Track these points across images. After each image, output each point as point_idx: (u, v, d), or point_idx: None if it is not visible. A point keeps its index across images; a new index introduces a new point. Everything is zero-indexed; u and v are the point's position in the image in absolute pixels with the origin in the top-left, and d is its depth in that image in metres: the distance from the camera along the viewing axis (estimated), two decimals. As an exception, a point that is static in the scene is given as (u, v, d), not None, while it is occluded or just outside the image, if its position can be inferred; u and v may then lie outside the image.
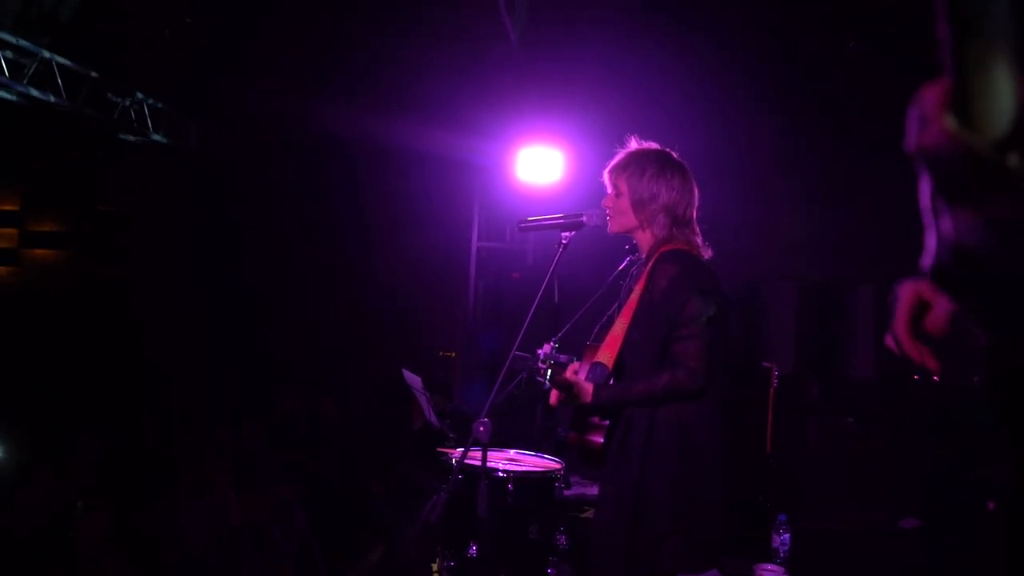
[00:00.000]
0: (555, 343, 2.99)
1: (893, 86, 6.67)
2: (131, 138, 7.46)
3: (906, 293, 1.28)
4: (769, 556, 4.38)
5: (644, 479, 2.89)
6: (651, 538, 2.88)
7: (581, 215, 3.15)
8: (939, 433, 6.89)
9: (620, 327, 3.03)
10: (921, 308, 1.24)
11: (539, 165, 7.50)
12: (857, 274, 7.85)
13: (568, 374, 3.04)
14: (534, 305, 3.07)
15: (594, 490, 5.56)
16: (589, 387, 2.98)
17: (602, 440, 3.05)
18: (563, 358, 2.94)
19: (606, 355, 3.04)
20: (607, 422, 3.05)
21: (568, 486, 5.41)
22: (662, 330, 2.92)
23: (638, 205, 3.05)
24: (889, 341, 1.30)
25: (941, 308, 1.21)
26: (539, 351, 2.96)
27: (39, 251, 9.20)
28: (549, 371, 2.94)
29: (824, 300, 7.83)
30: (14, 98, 6.15)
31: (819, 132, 7.58)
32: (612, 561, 2.92)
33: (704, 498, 2.91)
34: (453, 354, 8.17)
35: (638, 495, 2.89)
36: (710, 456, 2.95)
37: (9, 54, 5.86)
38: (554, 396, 3.07)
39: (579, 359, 3.15)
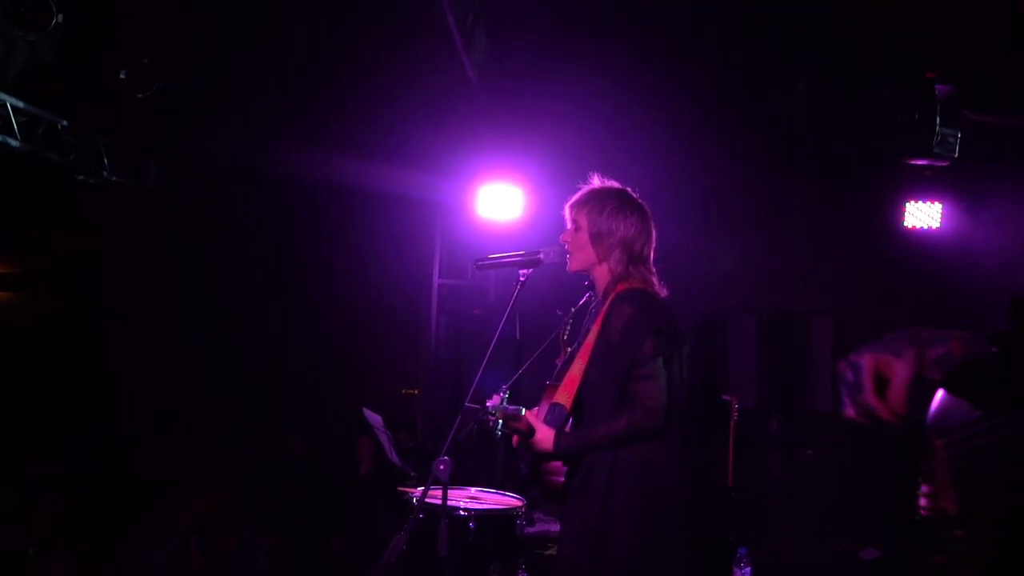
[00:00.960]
0: (505, 393, 3.00)
1: (850, 128, 6.84)
2: (89, 179, 7.40)
3: (867, 364, 1.36)
4: (730, 590, 4.41)
5: (606, 518, 2.90)
6: (611, 574, 2.88)
7: (539, 252, 3.19)
8: (898, 464, 6.98)
9: (578, 367, 3.05)
10: (880, 379, 1.33)
11: (499, 202, 7.54)
12: (815, 305, 7.97)
13: (529, 417, 3.04)
14: (493, 342, 3.09)
15: (556, 526, 5.56)
16: (550, 436, 2.99)
17: (562, 479, 3.07)
18: (511, 409, 2.95)
19: (564, 396, 3.07)
20: (566, 463, 3.07)
21: (531, 523, 5.40)
22: (620, 370, 2.95)
23: (596, 239, 3.10)
24: (850, 412, 1.37)
25: (899, 382, 1.30)
26: (488, 403, 2.97)
27: (-5, 293, 9.07)
28: (500, 422, 2.95)
29: (783, 333, 7.93)
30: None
31: (777, 167, 7.72)
32: None
33: (668, 537, 2.93)
34: (416, 391, 8.15)
35: (600, 534, 2.90)
36: (674, 495, 2.97)
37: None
38: (516, 439, 3.08)
39: (528, 408, 3.14)
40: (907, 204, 7.68)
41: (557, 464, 3.11)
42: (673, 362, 3.00)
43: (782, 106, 6.93)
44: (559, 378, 3.13)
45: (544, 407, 3.12)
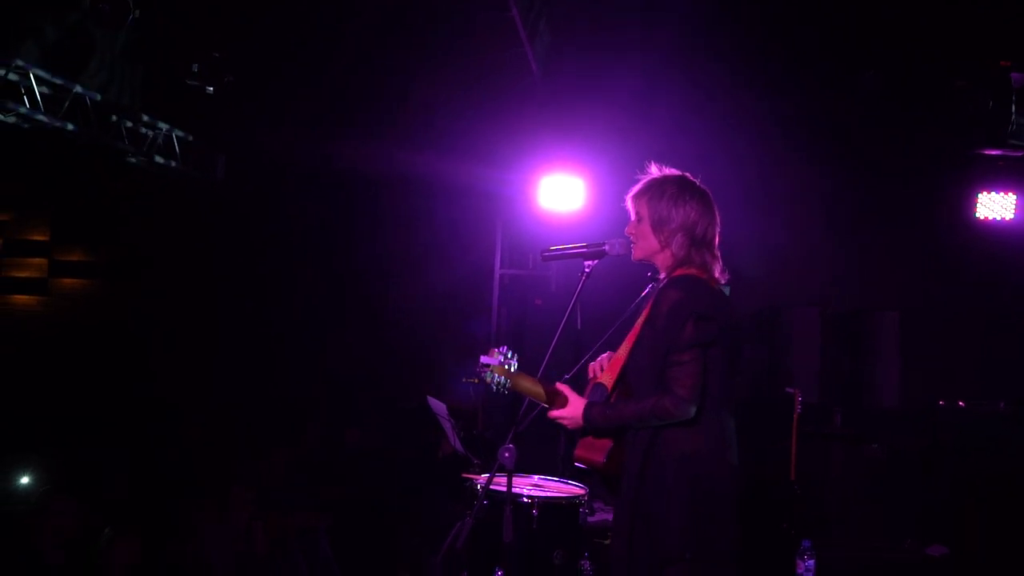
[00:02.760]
0: (506, 349, 3.03)
1: (918, 115, 6.71)
2: (159, 169, 7.59)
3: None
4: (794, 583, 4.37)
5: (642, 506, 2.90)
6: (653, 564, 2.89)
7: (603, 244, 3.19)
8: (964, 460, 6.84)
9: (624, 349, 3.07)
10: None
11: (561, 193, 7.55)
12: (881, 301, 7.83)
13: (564, 389, 3.07)
14: (557, 332, 3.10)
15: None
16: (581, 405, 3.01)
17: (603, 459, 3.05)
18: (495, 361, 2.99)
19: (608, 376, 3.08)
20: (608, 442, 3.06)
21: (592, 512, 5.42)
22: (660, 354, 2.94)
23: (657, 226, 3.09)
24: None
25: None
26: (483, 358, 3.00)
27: (67, 280, 9.34)
28: (501, 377, 2.99)
29: (848, 327, 7.81)
30: (47, 130, 6.29)
31: (845, 161, 7.60)
32: None
33: (714, 531, 2.90)
34: (476, 380, 8.19)
35: (645, 524, 2.90)
36: (719, 487, 2.93)
37: (44, 89, 6.00)
38: (553, 412, 3.09)
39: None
40: (979, 195, 7.51)
41: (597, 442, 3.09)
42: (715, 351, 2.96)
43: (851, 98, 6.82)
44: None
45: (588, 388, 3.14)
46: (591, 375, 3.22)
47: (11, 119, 5.92)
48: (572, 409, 3.03)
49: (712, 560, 2.89)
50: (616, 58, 6.94)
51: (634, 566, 2.90)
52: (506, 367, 3.03)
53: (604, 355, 3.24)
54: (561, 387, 3.07)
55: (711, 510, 2.90)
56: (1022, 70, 5.98)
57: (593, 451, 3.07)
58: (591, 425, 3.02)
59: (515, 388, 3.04)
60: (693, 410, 2.88)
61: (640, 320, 3.05)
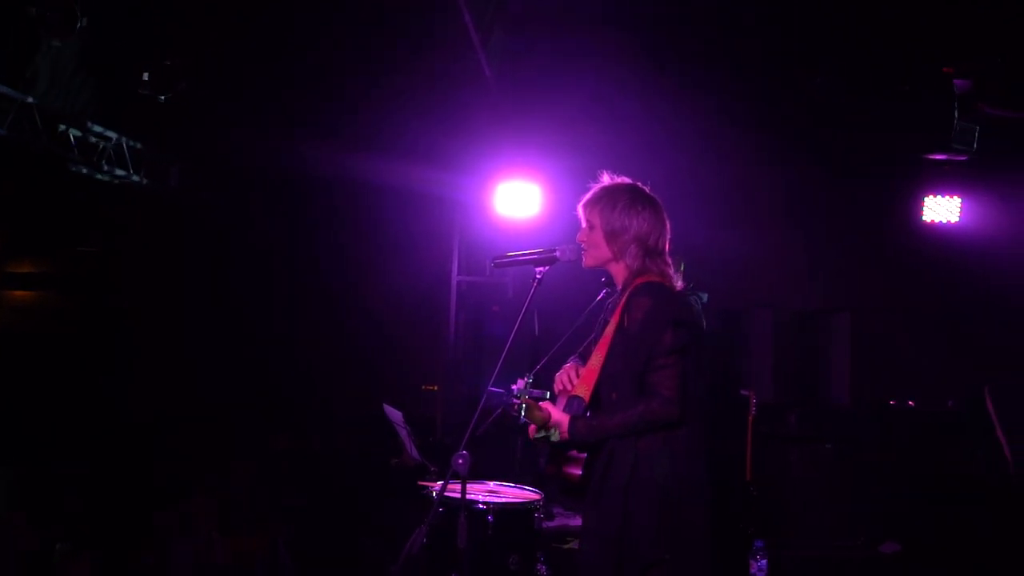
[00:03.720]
0: (529, 378, 3.03)
1: (865, 120, 6.84)
2: (112, 179, 7.50)
3: None
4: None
5: (627, 512, 2.92)
6: (634, 569, 2.91)
7: (555, 250, 3.22)
8: (915, 458, 6.97)
9: (596, 360, 3.08)
10: None
11: (517, 199, 7.58)
12: (833, 302, 7.96)
13: (546, 406, 3.08)
14: (510, 339, 3.12)
15: (576, 521, 5.59)
16: (565, 420, 3.02)
17: (580, 472, 3.08)
18: (536, 392, 2.98)
19: (583, 388, 3.09)
20: (584, 454, 3.09)
21: (550, 517, 5.44)
22: (638, 362, 2.97)
23: (611, 237, 3.12)
24: None
25: None
26: (512, 387, 2.99)
27: (18, 292, 9.19)
28: (523, 407, 2.97)
29: (801, 328, 7.93)
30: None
31: (796, 165, 7.73)
32: None
33: (689, 531, 2.94)
34: (436, 388, 8.20)
35: (622, 528, 2.92)
36: (694, 487, 2.98)
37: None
38: (532, 429, 3.10)
39: (553, 393, 3.18)
40: (926, 199, 7.67)
41: (573, 455, 3.11)
42: (690, 354, 3.02)
43: (798, 102, 6.93)
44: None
45: (563, 400, 3.15)
46: (559, 387, 3.21)
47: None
48: (556, 425, 3.02)
49: (690, 560, 2.93)
50: (571, 63, 6.98)
51: (621, 573, 2.92)
52: (538, 397, 3.02)
53: (569, 366, 3.24)
54: (545, 405, 3.07)
55: (689, 512, 2.94)
56: (963, 76, 6.13)
57: (570, 465, 3.09)
58: (577, 439, 3.02)
59: (529, 419, 3.02)
60: (680, 411, 2.92)
61: (610, 329, 3.07)
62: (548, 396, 3.04)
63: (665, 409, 2.92)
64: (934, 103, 6.22)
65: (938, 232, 7.70)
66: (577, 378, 3.15)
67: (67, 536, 5.14)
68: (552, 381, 3.32)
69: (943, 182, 7.59)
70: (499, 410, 3.01)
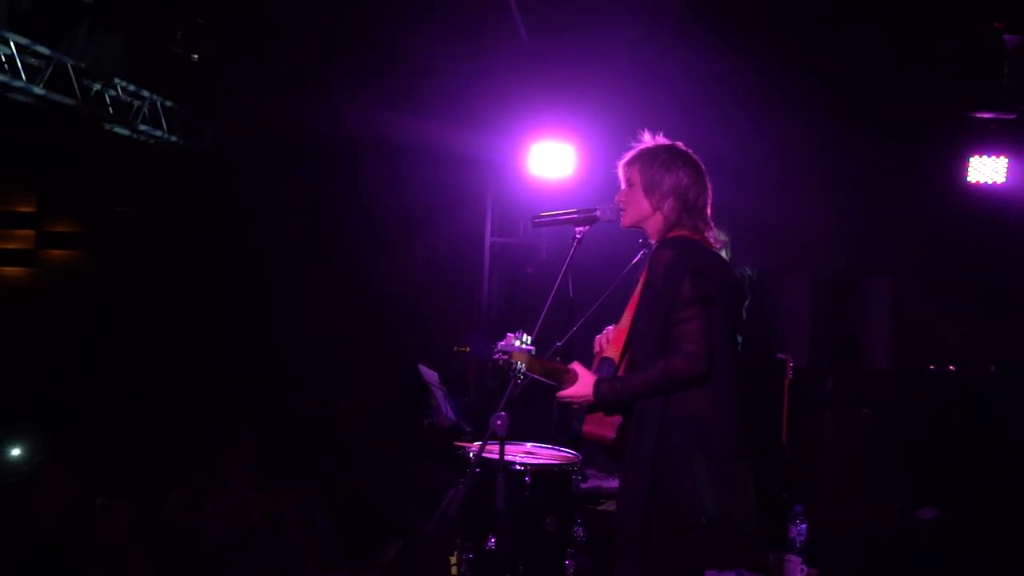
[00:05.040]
0: (521, 334, 2.97)
1: (908, 78, 6.67)
2: (146, 139, 7.52)
3: None
4: (785, 546, 4.40)
5: (658, 474, 2.87)
6: (666, 532, 2.87)
7: (595, 209, 3.17)
8: (956, 422, 6.88)
9: (626, 319, 3.04)
10: None
11: (551, 160, 7.51)
12: (872, 265, 7.83)
13: (576, 367, 3.03)
14: (548, 300, 3.08)
15: (611, 483, 5.59)
16: (591, 383, 2.98)
17: (613, 435, 3.03)
18: (520, 348, 2.91)
19: (613, 349, 3.05)
20: (617, 416, 3.04)
21: (585, 479, 5.43)
22: (661, 316, 2.90)
23: (649, 189, 3.07)
24: None
25: None
26: (500, 343, 2.94)
27: (55, 252, 9.29)
28: (518, 364, 2.93)
29: (838, 291, 7.81)
30: (30, 101, 6.22)
31: (837, 125, 7.56)
32: (628, 554, 2.93)
33: (730, 492, 2.87)
34: (468, 349, 8.20)
35: (651, 489, 2.88)
36: (732, 448, 2.91)
37: (27, 58, 5.91)
38: (562, 392, 3.04)
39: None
40: (971, 158, 7.48)
41: (607, 417, 3.06)
42: (715, 308, 2.93)
43: (842, 61, 6.77)
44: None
45: (595, 365, 3.11)
46: (597, 349, 3.18)
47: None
48: (582, 387, 2.98)
49: (728, 524, 2.88)
50: (606, 22, 6.87)
51: (649, 536, 2.87)
52: (525, 352, 2.95)
53: (609, 328, 3.19)
54: (574, 366, 3.02)
55: (725, 473, 2.87)
56: (1015, 32, 5.94)
57: (603, 427, 3.03)
58: (602, 402, 2.98)
59: (531, 372, 2.96)
60: (705, 366, 2.83)
61: (638, 288, 3.02)
62: (532, 352, 2.97)
63: (688, 365, 2.83)
64: (983, 59, 6.04)
65: (983, 193, 7.52)
66: (610, 340, 3.12)
67: (105, 490, 5.22)
68: (589, 344, 3.29)
69: (989, 141, 7.39)
70: (489, 364, 2.97)
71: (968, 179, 7.51)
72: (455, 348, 8.21)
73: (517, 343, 2.94)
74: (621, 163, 3.18)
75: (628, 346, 3.03)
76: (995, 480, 6.36)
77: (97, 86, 6.67)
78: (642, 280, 3.02)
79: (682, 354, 2.84)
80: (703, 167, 3.14)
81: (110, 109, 6.90)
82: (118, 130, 7.22)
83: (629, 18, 6.72)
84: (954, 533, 6.21)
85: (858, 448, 6.89)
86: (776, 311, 7.61)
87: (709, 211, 3.13)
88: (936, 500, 6.55)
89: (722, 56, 6.88)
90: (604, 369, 3.04)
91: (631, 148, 3.19)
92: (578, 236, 3.18)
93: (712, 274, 2.94)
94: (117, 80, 6.75)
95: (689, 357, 2.83)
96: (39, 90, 6.05)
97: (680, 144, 3.17)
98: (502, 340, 2.96)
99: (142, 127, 7.31)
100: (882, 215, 7.83)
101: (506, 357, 2.91)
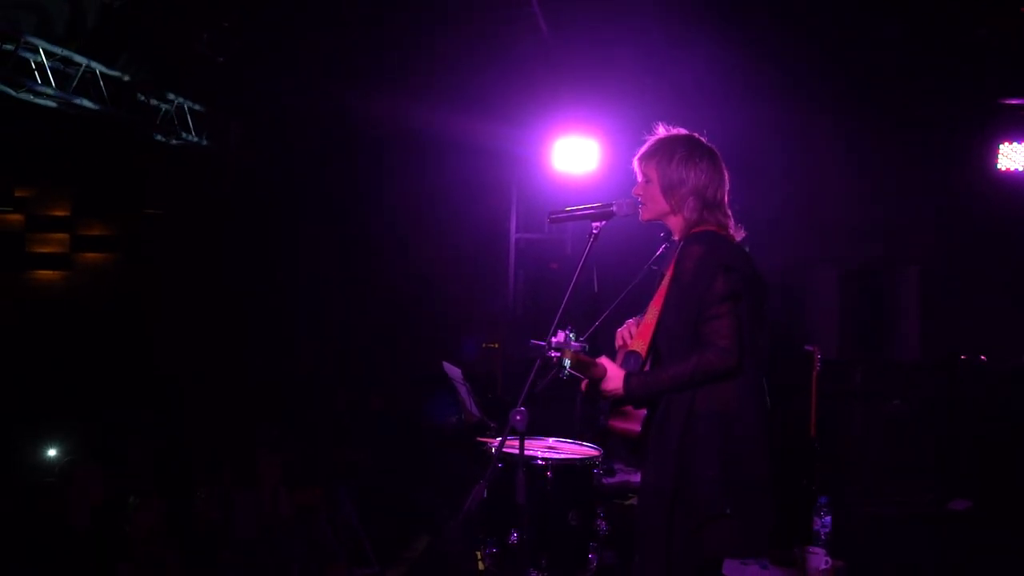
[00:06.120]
0: (571, 331, 2.95)
1: (935, 66, 6.58)
2: (174, 141, 7.61)
3: None
4: (811, 539, 4.38)
5: (684, 466, 2.88)
6: (691, 523, 2.88)
7: (611, 204, 3.16)
8: (986, 414, 6.80)
9: (652, 314, 3.03)
10: None
11: (575, 155, 7.50)
12: (901, 256, 7.75)
13: (603, 361, 3.03)
14: (567, 295, 3.08)
15: (638, 477, 5.58)
16: (620, 376, 2.99)
17: (639, 429, 3.03)
18: (576, 345, 2.90)
19: (640, 343, 3.04)
20: (643, 410, 3.04)
21: (611, 474, 5.44)
22: (692, 312, 2.91)
23: (668, 190, 3.07)
24: None
25: None
26: (552, 339, 2.92)
27: (90, 255, 9.43)
28: (569, 360, 2.90)
29: (866, 283, 7.74)
30: (59, 106, 6.32)
31: (857, 116, 7.49)
32: (651, 546, 2.94)
33: (749, 484, 2.88)
34: (496, 345, 8.22)
35: (678, 482, 2.88)
36: (753, 441, 2.92)
37: (55, 64, 6.01)
38: (584, 385, 3.05)
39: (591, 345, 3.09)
40: (1001, 145, 7.38)
41: (633, 411, 3.06)
42: (743, 303, 2.93)
43: (871, 48, 6.70)
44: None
45: (620, 358, 3.11)
46: (619, 343, 3.17)
47: (24, 95, 5.94)
48: (612, 381, 2.99)
49: (750, 516, 2.89)
50: (629, 17, 6.85)
51: (673, 528, 2.88)
52: (577, 351, 2.90)
53: (631, 321, 3.19)
54: (602, 360, 3.02)
55: (749, 465, 2.88)
56: (1043, 17, 5.85)
57: (630, 421, 3.03)
58: (632, 396, 2.98)
59: (576, 370, 2.94)
60: (736, 360, 2.85)
61: (665, 283, 3.02)
62: (586, 349, 2.94)
63: (722, 359, 2.85)
64: (1010, 45, 5.95)
65: (1014, 180, 7.42)
66: (635, 334, 3.11)
67: (136, 488, 5.30)
68: (612, 337, 3.29)
69: (1019, 127, 7.29)
70: (538, 362, 2.94)
71: (998, 166, 7.41)
72: (483, 344, 8.23)
73: (571, 341, 2.89)
74: (636, 157, 3.17)
75: (655, 341, 3.02)
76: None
77: (125, 91, 6.76)
78: (669, 274, 3.01)
79: (716, 349, 2.85)
80: (720, 157, 3.13)
81: (140, 113, 6.99)
82: (149, 134, 7.31)
83: (652, 13, 6.70)
84: (987, 524, 6.14)
85: (888, 440, 6.83)
86: (805, 303, 7.56)
87: (727, 199, 3.12)
88: (968, 491, 6.49)
89: (747, 48, 6.84)
90: (630, 363, 3.04)
91: (646, 141, 3.18)
92: (595, 231, 3.17)
93: (739, 268, 2.95)
94: (145, 86, 6.85)
95: (723, 352, 2.85)
96: (70, 96, 6.15)
97: (696, 135, 3.15)
98: (553, 336, 2.91)
99: (170, 130, 7.40)
100: (910, 205, 7.74)
101: (559, 354, 2.89)
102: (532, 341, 3.00)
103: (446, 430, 6.16)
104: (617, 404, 3.08)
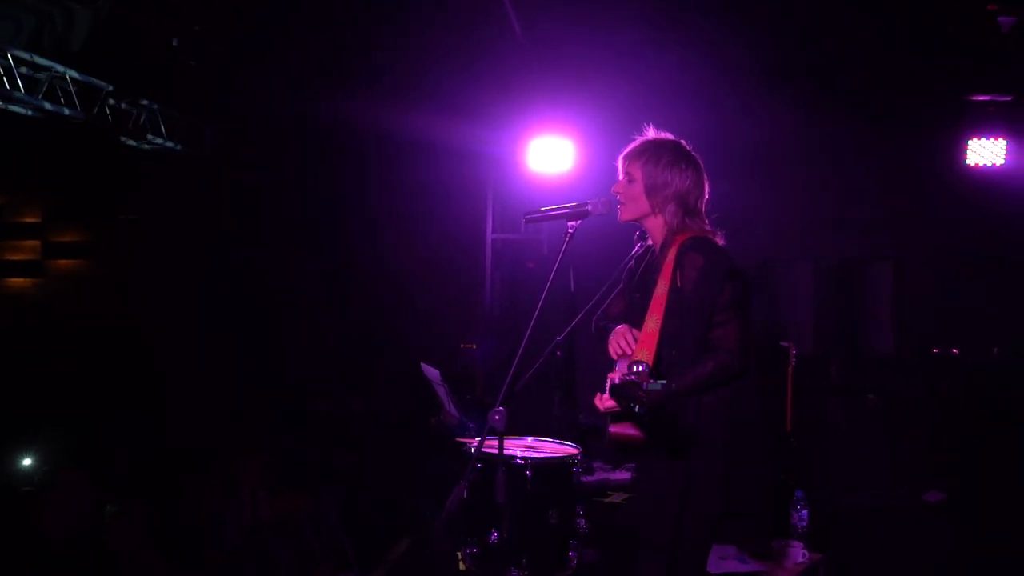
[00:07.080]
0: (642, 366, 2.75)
1: (904, 62, 6.66)
2: (146, 146, 7.56)
3: None
4: (788, 532, 4.42)
5: (692, 466, 2.95)
6: (701, 518, 2.96)
7: (587, 204, 3.18)
8: (961, 406, 6.89)
9: (653, 323, 2.96)
10: None
11: (550, 155, 7.52)
12: (873, 250, 7.83)
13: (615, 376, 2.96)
14: (543, 295, 3.10)
15: (616, 475, 5.61)
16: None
17: (638, 433, 3.02)
18: (657, 386, 2.72)
19: (644, 352, 3.03)
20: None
21: (590, 472, 5.47)
22: (699, 320, 2.97)
23: (651, 191, 3.10)
24: None
25: None
26: (615, 379, 2.79)
27: (62, 261, 9.35)
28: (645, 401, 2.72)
29: (841, 278, 7.82)
30: (31, 112, 6.26)
31: (829, 112, 7.56)
32: (659, 542, 3.00)
33: (751, 483, 2.99)
34: (474, 346, 8.23)
35: (686, 482, 2.94)
36: (754, 434, 3.02)
37: (24, 70, 5.96)
38: (602, 401, 2.93)
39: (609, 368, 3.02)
40: (969, 141, 7.48)
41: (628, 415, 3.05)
42: (742, 305, 3.02)
43: (836, 46, 6.77)
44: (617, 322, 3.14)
45: (622, 367, 3.09)
46: (617, 352, 3.09)
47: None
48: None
49: (753, 511, 2.97)
50: (603, 17, 6.87)
51: (683, 524, 2.94)
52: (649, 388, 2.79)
53: (622, 329, 3.13)
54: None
55: (750, 464, 2.99)
56: (1009, 14, 5.93)
57: (631, 427, 3.04)
58: (656, 404, 2.91)
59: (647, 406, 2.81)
60: (748, 362, 2.95)
61: (661, 290, 2.99)
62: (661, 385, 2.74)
63: (735, 361, 2.94)
64: (978, 41, 6.03)
65: (982, 175, 7.52)
66: (635, 342, 3.09)
67: (117, 495, 5.26)
68: (589, 337, 3.31)
69: (987, 124, 7.39)
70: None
71: (967, 162, 7.51)
72: (461, 345, 8.24)
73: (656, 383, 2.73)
74: (622, 155, 3.20)
75: (659, 348, 3.02)
76: (1000, 463, 6.37)
77: (97, 96, 6.71)
78: (665, 282, 3.00)
79: (728, 351, 2.94)
80: (702, 167, 3.17)
81: (110, 118, 6.94)
82: (120, 139, 7.26)
83: (627, 12, 6.73)
84: (961, 516, 6.23)
85: (863, 434, 6.90)
86: (780, 299, 7.63)
87: (705, 209, 3.17)
88: (942, 484, 6.57)
89: (719, 47, 6.89)
90: (640, 371, 3.03)
91: (633, 140, 3.21)
92: (571, 231, 3.18)
93: (740, 274, 3.04)
94: (114, 90, 6.80)
95: (735, 354, 2.94)
96: (39, 102, 6.10)
97: (683, 142, 3.19)
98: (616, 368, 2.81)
99: (142, 135, 7.35)
100: (882, 200, 7.83)
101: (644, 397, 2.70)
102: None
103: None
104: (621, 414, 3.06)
